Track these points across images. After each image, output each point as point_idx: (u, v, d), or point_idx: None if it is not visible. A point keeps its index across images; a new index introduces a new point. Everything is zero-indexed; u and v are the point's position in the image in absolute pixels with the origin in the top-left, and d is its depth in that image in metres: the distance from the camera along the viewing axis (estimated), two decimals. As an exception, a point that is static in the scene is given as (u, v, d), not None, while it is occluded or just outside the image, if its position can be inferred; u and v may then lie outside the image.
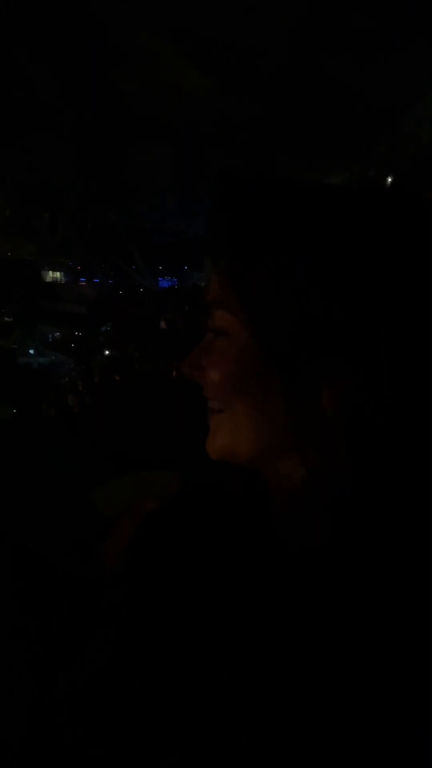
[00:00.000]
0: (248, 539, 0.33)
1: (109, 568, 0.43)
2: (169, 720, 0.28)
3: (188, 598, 0.32)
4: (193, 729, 0.27)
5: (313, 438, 0.32)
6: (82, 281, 29.62)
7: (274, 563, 0.32)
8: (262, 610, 0.30)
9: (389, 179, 12.58)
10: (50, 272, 28.87)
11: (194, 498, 0.39)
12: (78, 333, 21.11)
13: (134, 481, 0.73)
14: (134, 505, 0.48)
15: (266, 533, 0.34)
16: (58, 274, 29.06)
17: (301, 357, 0.31)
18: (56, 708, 0.36)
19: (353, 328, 0.29)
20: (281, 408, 0.32)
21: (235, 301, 0.32)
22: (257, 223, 0.32)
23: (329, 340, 0.30)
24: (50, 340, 22.64)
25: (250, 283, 0.32)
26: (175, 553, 0.35)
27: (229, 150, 21.83)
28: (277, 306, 0.31)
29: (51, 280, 28.71)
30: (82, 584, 0.41)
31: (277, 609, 0.29)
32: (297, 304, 0.30)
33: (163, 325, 11.11)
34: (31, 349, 22.13)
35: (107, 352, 13.43)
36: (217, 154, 22.35)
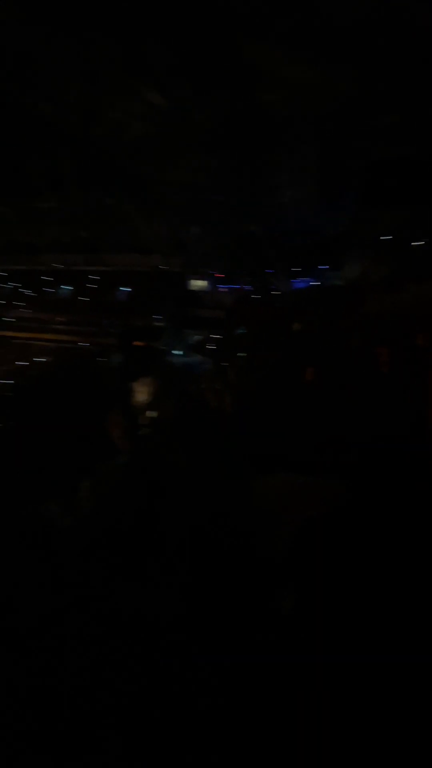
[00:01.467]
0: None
1: (276, 552, 0.47)
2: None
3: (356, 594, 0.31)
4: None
5: None
6: (222, 288, 31.51)
7: None
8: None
9: None
10: (194, 281, 31.70)
11: (363, 506, 0.39)
12: (215, 336, 22.59)
13: (284, 482, 0.76)
14: (294, 505, 0.50)
15: None
16: (201, 283, 31.67)
17: None
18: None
19: None
20: None
21: None
22: None
23: None
24: (191, 342, 24.92)
25: None
26: (345, 554, 0.36)
27: (370, 139, 20.20)
28: None
29: (195, 288, 31.49)
30: (248, 562, 0.45)
31: None
32: None
33: (296, 327, 10.99)
34: (175, 350, 24.74)
35: (241, 354, 13.96)
36: (359, 147, 20.92)
